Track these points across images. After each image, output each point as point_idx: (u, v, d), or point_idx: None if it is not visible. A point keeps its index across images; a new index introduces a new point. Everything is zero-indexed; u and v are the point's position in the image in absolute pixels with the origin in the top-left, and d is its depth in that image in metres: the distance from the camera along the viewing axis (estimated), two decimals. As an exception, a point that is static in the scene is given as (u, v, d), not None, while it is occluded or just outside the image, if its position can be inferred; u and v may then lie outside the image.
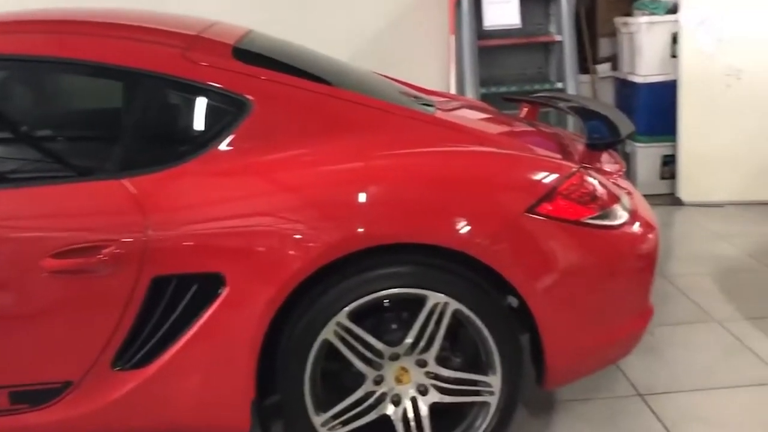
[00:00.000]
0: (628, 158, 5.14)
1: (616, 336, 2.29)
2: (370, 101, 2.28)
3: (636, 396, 2.61)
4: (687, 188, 4.77)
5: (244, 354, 2.00)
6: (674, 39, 4.76)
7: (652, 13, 4.87)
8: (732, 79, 4.62)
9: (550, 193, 2.11)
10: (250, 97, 2.11)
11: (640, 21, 4.87)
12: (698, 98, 4.67)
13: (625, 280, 2.27)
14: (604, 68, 5.33)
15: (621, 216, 2.24)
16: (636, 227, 2.27)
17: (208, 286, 1.97)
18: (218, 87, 2.11)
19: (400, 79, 3.01)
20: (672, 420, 2.46)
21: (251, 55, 2.30)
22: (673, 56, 4.79)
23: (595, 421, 2.48)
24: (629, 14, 5.09)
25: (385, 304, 2.09)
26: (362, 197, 2.03)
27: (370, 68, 3.01)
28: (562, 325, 2.15)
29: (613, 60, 5.33)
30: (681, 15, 4.65)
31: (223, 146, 2.09)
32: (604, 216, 2.19)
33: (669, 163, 4.93)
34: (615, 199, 2.26)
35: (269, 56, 2.41)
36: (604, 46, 5.38)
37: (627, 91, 5.14)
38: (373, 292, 2.02)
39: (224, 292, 1.96)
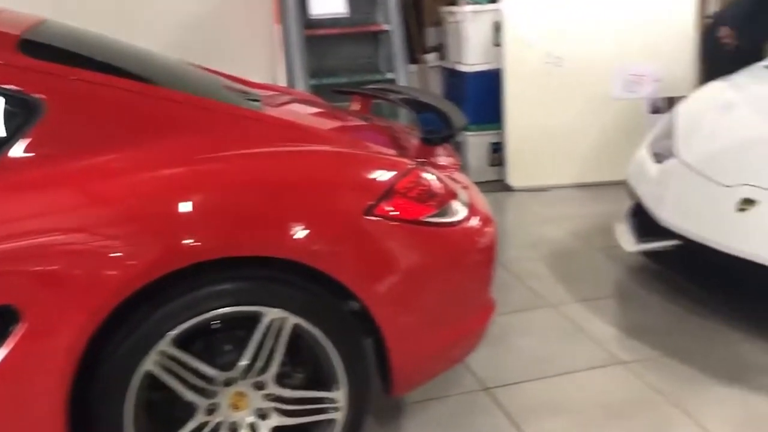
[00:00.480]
0: (458, 147, 5.20)
1: (461, 334, 2.24)
2: (189, 98, 2.05)
3: (482, 391, 2.58)
4: (515, 174, 4.91)
5: (50, 395, 1.72)
6: (497, 28, 4.85)
7: (476, 2, 4.94)
8: (552, 67, 4.79)
9: (388, 193, 2.00)
10: (41, 96, 1.81)
11: (465, 10, 4.92)
12: (522, 86, 4.81)
13: (467, 277, 2.22)
14: (432, 58, 5.35)
15: (459, 212, 2.17)
16: (474, 222, 2.22)
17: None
18: None
19: (223, 72, 2.79)
20: (518, 412, 2.45)
21: (43, 47, 1.99)
22: (497, 45, 4.88)
23: (445, 422, 2.42)
24: (454, 3, 5.13)
25: (216, 326, 1.88)
26: (182, 208, 1.81)
27: (190, 60, 2.76)
28: (406, 328, 2.06)
29: (441, 49, 5.37)
30: (503, 4, 4.75)
31: (12, 155, 1.79)
32: (443, 213, 2.12)
33: (497, 150, 5.04)
34: (453, 194, 2.19)
35: (66, 49, 2.11)
36: (431, 36, 5.41)
37: (455, 80, 5.20)
38: (200, 314, 1.81)
39: (19, 328, 1.67)
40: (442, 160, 2.43)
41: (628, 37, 4.81)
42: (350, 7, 4.60)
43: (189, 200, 1.82)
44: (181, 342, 1.83)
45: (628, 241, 3.40)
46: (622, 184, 3.63)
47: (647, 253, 3.29)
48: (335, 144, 2.18)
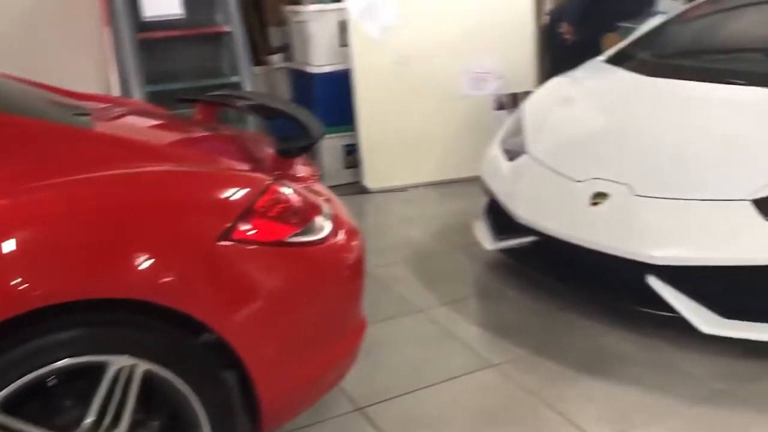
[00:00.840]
0: (312, 150, 5.06)
1: (335, 357, 2.10)
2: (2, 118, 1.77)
3: (356, 411, 2.46)
4: (371, 176, 4.83)
5: None
6: (343, 28, 4.75)
7: (321, 2, 4.80)
8: (401, 66, 4.75)
9: (245, 214, 1.82)
10: None
11: (310, 9, 4.78)
12: (372, 86, 4.73)
13: (337, 297, 2.08)
14: (277, 59, 5.17)
15: (324, 228, 2.03)
16: (340, 237, 2.09)
17: None
18: None
19: (46, 84, 2.47)
20: (393, 430, 2.35)
21: None
22: (344, 45, 4.78)
23: (319, 450, 2.28)
24: (298, 2, 4.97)
25: (53, 381, 1.63)
26: None
27: (4, 72, 2.42)
28: (273, 359, 1.89)
29: (287, 50, 5.20)
30: (348, 2, 4.65)
31: None
32: (307, 231, 1.96)
33: (352, 152, 4.94)
34: (316, 209, 2.05)
35: None
36: (275, 36, 5.22)
37: (303, 82, 5.05)
38: (31, 371, 1.55)
39: None
40: (301, 171, 2.28)
41: (471, 35, 4.86)
42: (187, 7, 4.31)
43: (6, 240, 1.55)
44: (10, 404, 1.56)
45: (486, 239, 3.40)
46: (474, 181, 3.65)
47: (506, 250, 3.31)
48: (180, 161, 1.96)
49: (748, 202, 2.60)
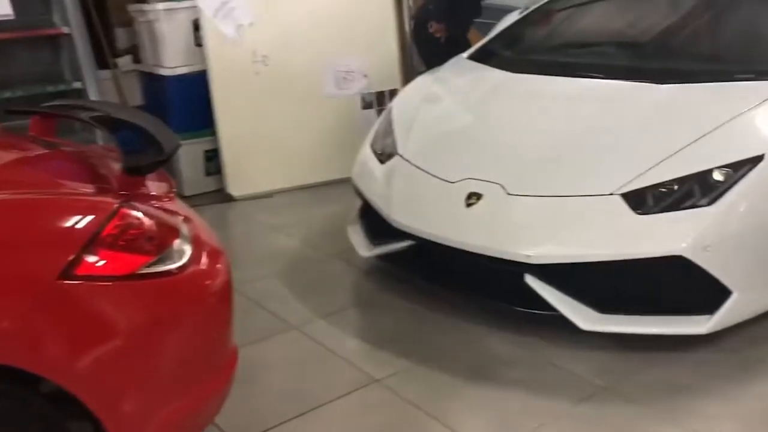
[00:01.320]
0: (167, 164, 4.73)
1: (205, 395, 1.89)
2: None
3: (233, 447, 2.26)
4: (235, 182, 4.58)
5: None
6: (197, 26, 4.46)
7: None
8: (260, 66, 4.53)
9: (90, 245, 1.58)
10: None
11: (158, 8, 4.45)
12: (230, 87, 4.49)
13: (203, 330, 1.87)
14: (125, 61, 4.80)
15: (184, 253, 1.81)
16: (203, 261, 1.88)
17: None
18: None
19: None
20: (277, 463, 2.18)
21: None
22: (199, 45, 4.50)
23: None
24: (144, 1, 4.62)
25: None
26: None
27: None
28: (132, 407, 1.67)
29: (135, 51, 4.83)
30: (199, 1, 4.37)
31: None
32: (164, 259, 1.74)
33: (213, 158, 4.67)
34: (173, 233, 1.83)
35: None
36: (122, 37, 4.84)
37: (156, 86, 4.71)
38: None
39: None
40: (155, 188, 2.04)
41: (332, 32, 4.72)
42: (18, 8, 3.88)
43: None
44: None
45: (362, 246, 3.28)
46: (345, 182, 3.52)
47: (384, 256, 3.20)
48: (8, 187, 1.69)
49: (617, 196, 2.62)
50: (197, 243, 1.90)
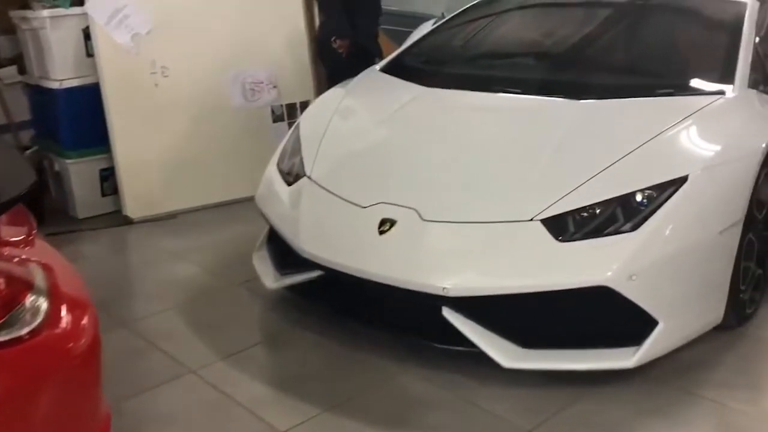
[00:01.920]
0: (59, 178, 4.34)
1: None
2: None
3: None
4: (134, 203, 4.22)
5: None
6: (88, 35, 4.10)
7: (55, 6, 4.10)
8: (159, 77, 4.21)
9: None
10: None
11: (44, 15, 4.05)
12: (127, 101, 4.14)
13: (64, 400, 1.58)
14: (9, 72, 4.38)
15: (38, 311, 1.53)
16: (64, 319, 1.59)
17: None
18: None
19: None
20: None
21: None
22: (90, 55, 4.13)
23: None
24: (28, 6, 4.22)
25: None
26: None
27: None
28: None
29: (20, 61, 4.42)
30: (89, 8, 4.01)
31: None
32: (12, 323, 1.45)
33: (109, 177, 4.29)
34: (25, 289, 1.53)
35: None
36: (4, 45, 4.42)
37: (44, 99, 4.31)
38: None
39: None
40: (7, 233, 1.73)
41: (239, 41, 4.44)
42: None
43: None
44: None
45: (268, 276, 3.01)
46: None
47: (292, 287, 2.94)
48: None
49: (537, 222, 2.46)
50: (56, 297, 1.61)
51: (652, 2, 3.63)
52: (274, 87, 4.62)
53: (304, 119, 3.42)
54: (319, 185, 2.91)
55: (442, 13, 4.87)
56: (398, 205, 2.65)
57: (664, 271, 2.41)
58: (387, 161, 2.90)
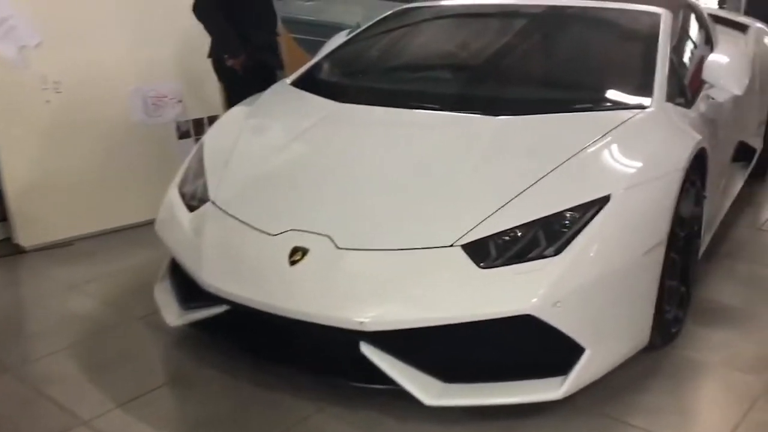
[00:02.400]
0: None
1: None
2: None
3: None
4: (25, 230, 3.87)
5: None
6: (-32, 48, 3.74)
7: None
8: (51, 93, 3.89)
9: None
10: None
11: None
12: (14, 119, 3.80)
13: None
14: None
15: None
16: None
17: None
18: None
19: None
20: None
21: None
22: (-28, 70, 3.78)
23: None
24: None
25: None
26: None
27: None
28: None
29: None
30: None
31: None
32: None
33: (-3, 201, 3.94)
34: None
35: None
36: None
37: None
38: None
39: None
40: None
41: (140, 54, 4.16)
42: None
43: None
44: None
45: (170, 312, 2.77)
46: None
47: (197, 323, 2.70)
48: None
49: (458, 248, 2.31)
50: None
51: (568, 14, 3.57)
52: (179, 101, 4.36)
53: (209, 138, 3.18)
54: (224, 211, 2.69)
55: (357, 23, 4.74)
56: (310, 232, 2.46)
57: (589, 296, 2.31)
58: (298, 184, 2.71)
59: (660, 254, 2.47)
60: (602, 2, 3.51)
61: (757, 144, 4.39)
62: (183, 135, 4.40)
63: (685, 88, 3.11)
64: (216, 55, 4.19)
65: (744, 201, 4.16)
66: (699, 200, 2.90)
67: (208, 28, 4.11)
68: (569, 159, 2.51)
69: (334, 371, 2.44)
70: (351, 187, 2.61)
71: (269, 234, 2.51)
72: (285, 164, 2.84)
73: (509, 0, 3.79)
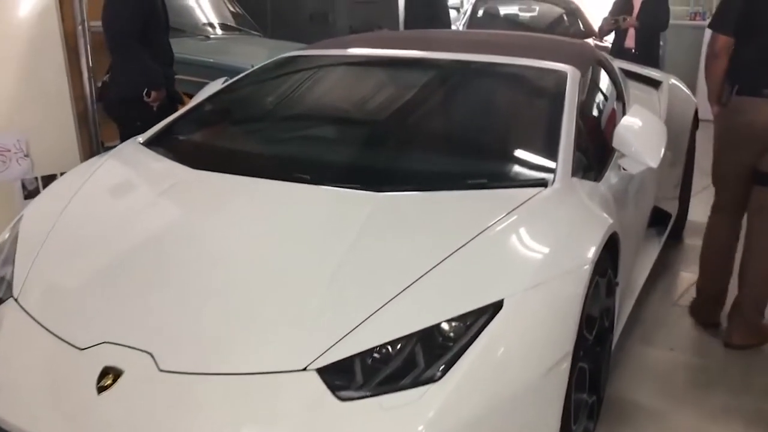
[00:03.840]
0: None
1: None
2: None
3: None
4: None
5: None
6: None
7: None
8: None
9: None
10: None
11: None
12: None
13: None
14: None
15: None
16: None
17: None
18: None
19: None
20: None
21: None
22: None
23: None
24: None
25: None
26: None
27: None
28: None
29: None
30: None
31: None
32: None
33: None
34: None
35: None
36: None
37: None
38: None
39: None
40: None
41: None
42: None
43: None
44: None
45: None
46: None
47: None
48: None
49: (312, 373, 1.80)
50: None
51: (468, 70, 3.08)
52: (25, 156, 3.73)
53: (29, 213, 2.58)
54: (28, 313, 2.11)
55: (251, 65, 4.24)
56: (128, 347, 1.91)
57: (479, 426, 1.83)
58: (121, 282, 2.12)
59: (566, 369, 2.02)
60: (505, 57, 3.09)
61: (672, 208, 4.08)
62: (30, 194, 3.77)
63: (594, 157, 2.72)
64: (131, 92, 3.72)
65: (658, 269, 3.82)
66: (611, 290, 2.49)
67: (127, 61, 3.77)
68: (456, 251, 2.04)
69: None
70: (186, 288, 2.05)
71: (76, 347, 1.95)
72: (109, 254, 2.23)
73: (403, 52, 3.35)
